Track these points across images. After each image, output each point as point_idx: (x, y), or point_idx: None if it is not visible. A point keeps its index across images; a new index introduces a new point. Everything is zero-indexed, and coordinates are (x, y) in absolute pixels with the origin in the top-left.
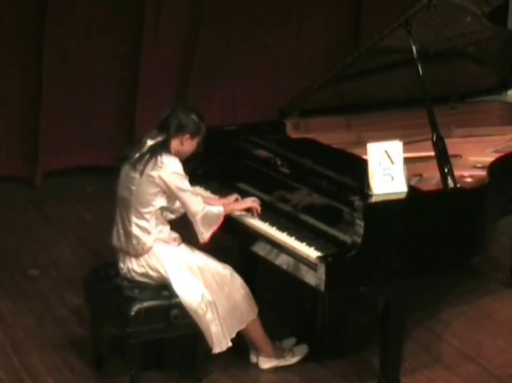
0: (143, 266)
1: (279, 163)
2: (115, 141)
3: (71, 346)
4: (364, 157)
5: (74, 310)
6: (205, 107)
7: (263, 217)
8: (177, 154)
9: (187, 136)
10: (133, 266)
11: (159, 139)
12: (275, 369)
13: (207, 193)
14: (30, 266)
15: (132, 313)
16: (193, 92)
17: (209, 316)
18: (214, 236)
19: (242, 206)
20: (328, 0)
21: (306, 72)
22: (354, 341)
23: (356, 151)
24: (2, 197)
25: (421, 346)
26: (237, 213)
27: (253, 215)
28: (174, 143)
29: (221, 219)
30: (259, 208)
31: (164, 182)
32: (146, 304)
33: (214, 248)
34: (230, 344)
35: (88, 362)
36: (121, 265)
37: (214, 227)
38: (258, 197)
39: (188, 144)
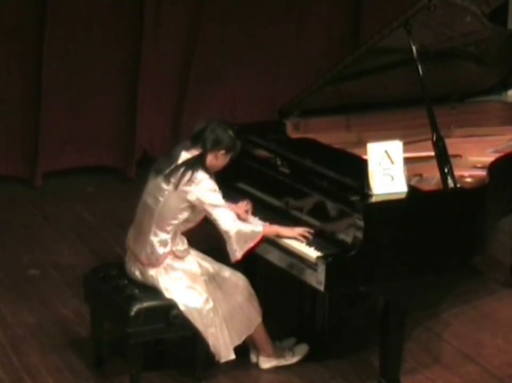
0: (148, 275)
1: (279, 163)
2: (115, 141)
3: (71, 346)
4: (364, 157)
5: (74, 310)
6: (205, 107)
7: (263, 217)
8: (209, 168)
9: (222, 152)
10: (138, 271)
11: (194, 152)
12: (276, 369)
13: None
14: (30, 266)
15: (132, 313)
16: (193, 92)
17: (212, 330)
18: (247, 255)
19: (289, 234)
20: (328, 0)
21: (306, 72)
22: (354, 341)
23: (356, 151)
24: (2, 197)
25: (421, 346)
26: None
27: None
28: (209, 158)
29: (258, 238)
30: (308, 235)
31: (198, 197)
32: (146, 304)
33: (214, 248)
34: (233, 356)
35: (88, 362)
36: (127, 261)
37: (250, 245)
38: (259, 197)
39: (222, 160)
